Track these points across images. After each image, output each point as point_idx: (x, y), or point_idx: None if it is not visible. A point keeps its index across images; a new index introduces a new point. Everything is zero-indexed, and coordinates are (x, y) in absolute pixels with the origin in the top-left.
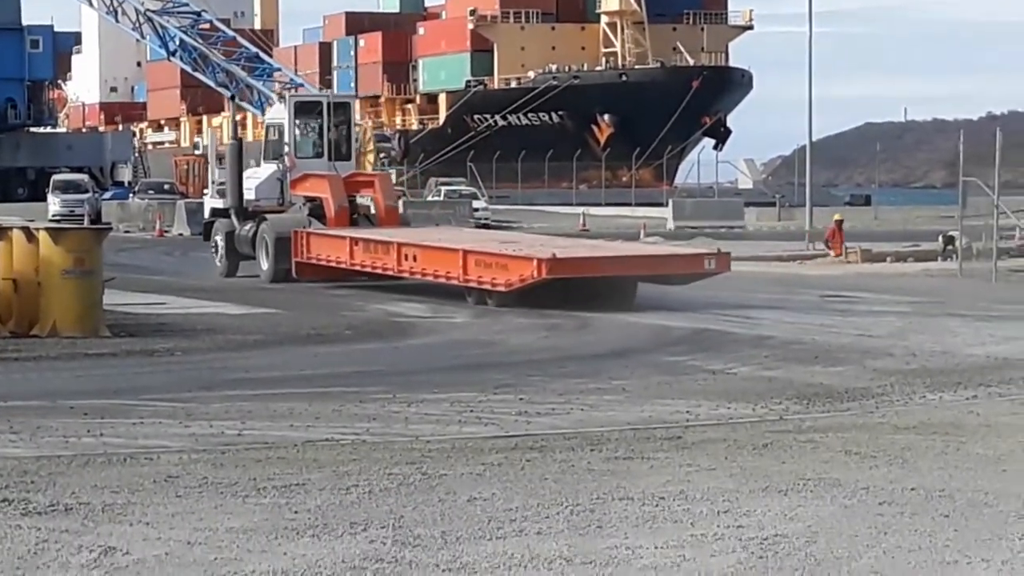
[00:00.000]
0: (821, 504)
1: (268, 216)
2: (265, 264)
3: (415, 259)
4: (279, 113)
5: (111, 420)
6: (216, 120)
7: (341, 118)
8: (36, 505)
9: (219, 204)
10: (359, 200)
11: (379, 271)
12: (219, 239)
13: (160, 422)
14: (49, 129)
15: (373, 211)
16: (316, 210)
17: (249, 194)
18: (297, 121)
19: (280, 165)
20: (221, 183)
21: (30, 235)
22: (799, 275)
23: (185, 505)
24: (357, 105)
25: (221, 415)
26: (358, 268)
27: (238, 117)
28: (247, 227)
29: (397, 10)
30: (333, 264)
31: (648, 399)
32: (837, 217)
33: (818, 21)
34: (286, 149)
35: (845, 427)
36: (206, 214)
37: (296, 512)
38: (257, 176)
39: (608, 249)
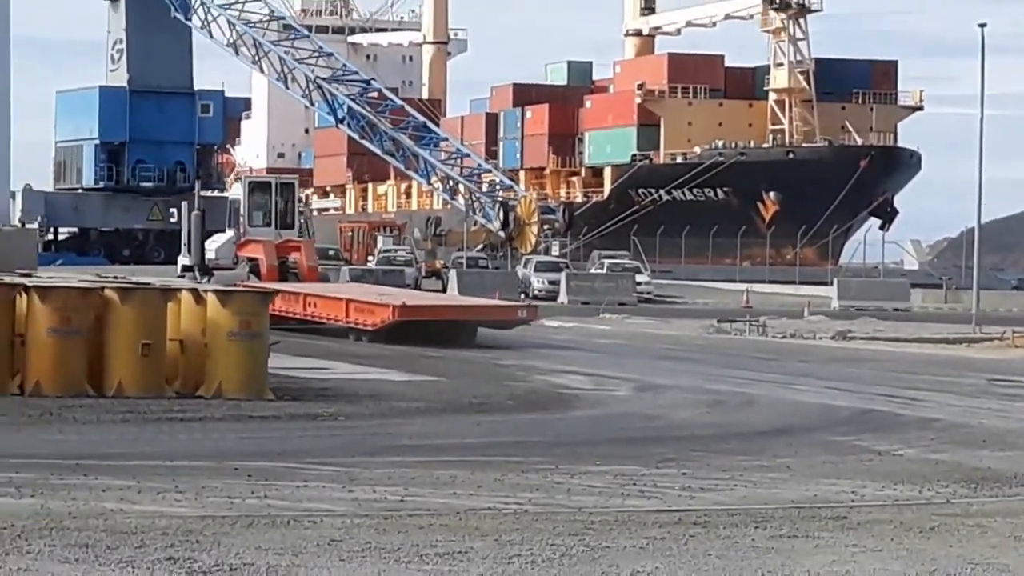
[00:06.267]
0: None
1: (215, 272)
2: None
3: (316, 306)
4: (238, 190)
5: (275, 482)
6: (381, 188)
7: (287, 195)
8: (201, 564)
9: (187, 262)
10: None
11: (292, 316)
12: None
13: (324, 486)
14: (216, 193)
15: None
16: (255, 268)
17: (210, 254)
18: (252, 197)
19: (236, 232)
20: (188, 245)
21: (198, 297)
22: (966, 358)
23: (348, 569)
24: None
25: (384, 481)
26: (279, 314)
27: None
28: (203, 280)
29: (565, 83)
30: None
31: (813, 478)
32: None
33: (989, 104)
34: (240, 219)
35: (1014, 512)
36: (178, 270)
37: None
38: (218, 241)
39: (447, 300)
